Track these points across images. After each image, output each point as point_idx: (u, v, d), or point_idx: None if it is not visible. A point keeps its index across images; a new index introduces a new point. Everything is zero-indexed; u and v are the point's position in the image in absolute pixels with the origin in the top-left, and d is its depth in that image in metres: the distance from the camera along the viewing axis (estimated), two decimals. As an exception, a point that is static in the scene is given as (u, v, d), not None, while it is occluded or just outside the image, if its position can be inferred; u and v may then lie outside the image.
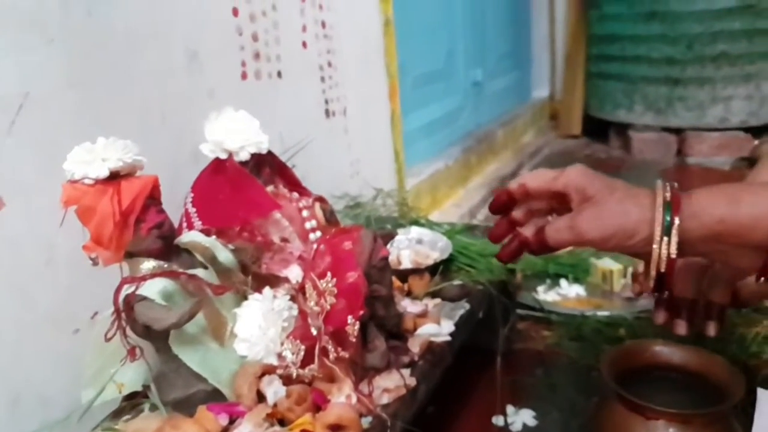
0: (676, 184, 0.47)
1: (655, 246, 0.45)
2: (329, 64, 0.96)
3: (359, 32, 1.06)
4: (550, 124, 2.35)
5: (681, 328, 0.57)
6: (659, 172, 1.81)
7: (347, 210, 0.92)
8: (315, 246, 0.56)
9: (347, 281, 0.53)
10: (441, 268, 0.77)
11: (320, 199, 0.68)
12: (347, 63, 1.01)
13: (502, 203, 0.55)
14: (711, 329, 0.56)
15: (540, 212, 0.54)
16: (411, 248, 0.80)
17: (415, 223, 0.92)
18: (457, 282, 0.75)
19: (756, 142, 1.83)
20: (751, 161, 1.79)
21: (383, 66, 1.12)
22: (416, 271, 0.75)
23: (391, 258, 0.80)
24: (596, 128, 2.17)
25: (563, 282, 1.09)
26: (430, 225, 0.92)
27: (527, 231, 0.52)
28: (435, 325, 0.64)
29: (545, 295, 1.07)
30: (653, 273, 0.47)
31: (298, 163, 0.85)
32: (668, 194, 0.46)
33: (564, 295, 1.07)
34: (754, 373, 0.81)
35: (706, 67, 1.84)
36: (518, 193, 0.53)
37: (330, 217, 0.67)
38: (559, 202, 0.51)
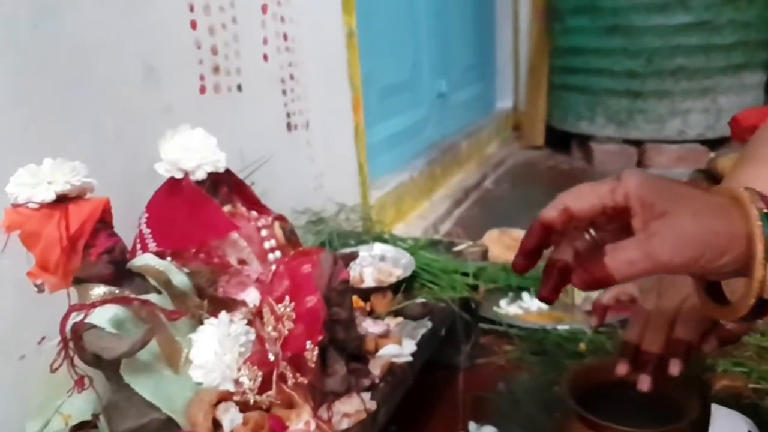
0: (759, 190, 0.42)
1: (759, 266, 0.38)
2: (291, 77, 0.95)
3: (322, 45, 1.05)
4: (514, 135, 2.37)
5: (644, 383, 0.54)
6: (620, 184, 1.84)
7: (310, 225, 0.91)
8: (273, 268, 0.55)
9: (306, 306, 0.52)
10: (404, 286, 0.76)
11: (280, 218, 0.66)
12: (310, 76, 1.00)
13: (540, 240, 0.43)
14: (674, 367, 0.54)
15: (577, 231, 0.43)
16: (374, 266, 0.79)
17: (379, 238, 0.91)
18: (419, 300, 0.74)
19: (712, 154, 1.87)
20: (708, 173, 1.83)
21: (347, 78, 1.12)
22: (379, 290, 0.74)
23: (354, 276, 0.79)
24: (559, 139, 2.20)
25: (525, 295, 1.10)
26: (394, 240, 0.91)
27: (565, 255, 0.42)
28: (396, 346, 0.64)
29: (508, 308, 1.07)
30: (752, 300, 0.39)
31: (260, 179, 0.84)
32: (761, 203, 0.40)
33: (526, 308, 1.07)
34: (709, 387, 0.82)
35: (666, 80, 1.89)
36: (561, 222, 0.41)
37: (290, 236, 0.66)
38: (609, 220, 0.41)
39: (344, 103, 1.12)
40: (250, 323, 0.55)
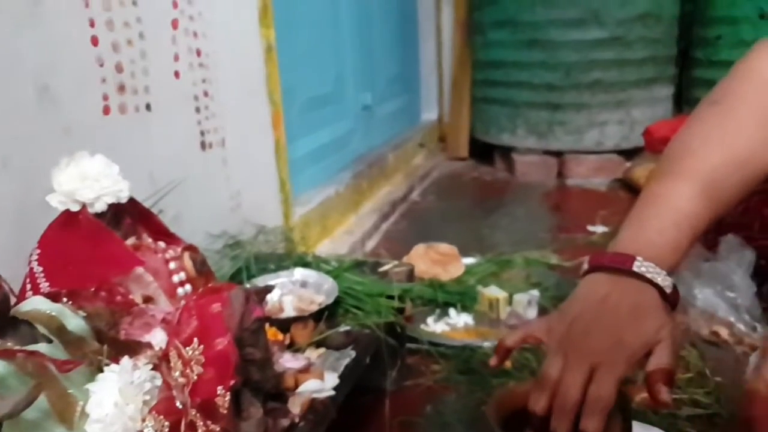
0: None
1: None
2: (206, 94, 0.91)
3: (239, 60, 1.01)
4: (440, 146, 2.39)
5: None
6: (541, 194, 1.88)
7: (227, 250, 0.87)
8: (180, 308, 0.51)
9: (216, 348, 0.48)
10: (326, 314, 0.74)
11: (190, 248, 0.62)
12: (226, 92, 0.96)
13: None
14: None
15: None
16: (294, 293, 0.76)
17: (301, 261, 0.88)
18: (343, 328, 0.72)
19: (628, 164, 1.95)
20: (624, 182, 1.90)
21: (266, 93, 1.08)
22: (299, 319, 0.71)
23: (273, 304, 0.76)
24: (483, 151, 2.23)
25: (452, 311, 1.10)
26: (317, 263, 0.88)
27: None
28: (318, 381, 0.61)
29: (435, 326, 1.06)
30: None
31: (172, 203, 0.79)
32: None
33: (453, 324, 1.07)
34: (629, 399, 0.84)
35: (583, 93, 1.94)
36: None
37: (201, 268, 0.62)
38: None
39: (263, 118, 1.08)
40: (155, 368, 0.50)
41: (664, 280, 0.53)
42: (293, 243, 0.97)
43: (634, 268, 0.53)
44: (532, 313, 1.06)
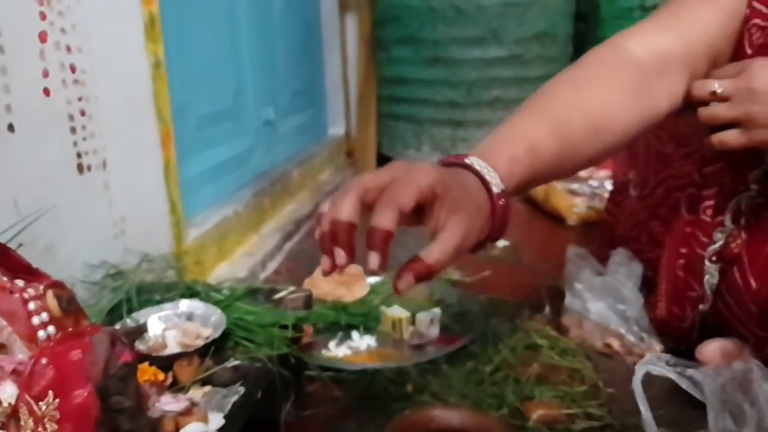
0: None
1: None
2: (82, 113, 0.84)
3: (122, 76, 0.95)
4: (348, 162, 2.37)
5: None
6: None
7: (108, 280, 0.81)
8: (34, 357, 0.46)
9: (74, 401, 0.44)
10: (213, 348, 0.69)
11: (55, 285, 0.57)
12: (107, 110, 0.90)
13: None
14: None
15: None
16: (178, 327, 0.71)
17: (190, 290, 0.83)
18: (231, 363, 0.68)
19: (527, 179, 2.00)
20: (524, 196, 1.95)
21: (153, 111, 1.02)
22: (183, 356, 0.66)
23: (156, 340, 0.70)
24: (390, 166, 2.23)
25: (354, 334, 1.07)
26: (207, 292, 0.83)
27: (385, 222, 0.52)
28: (200, 424, 0.57)
29: (337, 350, 1.04)
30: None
31: (43, 232, 0.73)
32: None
33: (355, 348, 1.05)
34: (527, 417, 0.85)
35: (484, 110, 1.99)
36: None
37: (68, 306, 0.56)
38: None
39: (151, 137, 1.02)
40: (2, 427, 0.45)
41: (492, 178, 0.60)
42: (182, 270, 0.91)
43: (466, 161, 0.61)
44: (434, 331, 1.06)
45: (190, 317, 0.74)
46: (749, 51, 0.80)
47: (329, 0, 2.33)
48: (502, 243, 1.55)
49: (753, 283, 0.81)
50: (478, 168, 0.61)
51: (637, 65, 0.76)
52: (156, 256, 0.87)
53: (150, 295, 0.79)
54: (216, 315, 0.73)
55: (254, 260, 1.33)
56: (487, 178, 0.60)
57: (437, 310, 1.07)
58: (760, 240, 0.82)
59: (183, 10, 1.22)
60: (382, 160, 2.27)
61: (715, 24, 0.79)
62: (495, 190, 0.60)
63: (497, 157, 0.63)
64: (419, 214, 0.58)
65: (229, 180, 1.46)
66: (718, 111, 0.77)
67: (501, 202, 0.60)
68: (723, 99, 0.76)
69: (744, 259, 0.83)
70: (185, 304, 0.75)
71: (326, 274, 0.56)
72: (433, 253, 0.54)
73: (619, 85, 0.75)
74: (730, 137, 0.77)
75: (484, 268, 1.33)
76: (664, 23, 0.80)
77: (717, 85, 0.76)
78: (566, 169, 0.73)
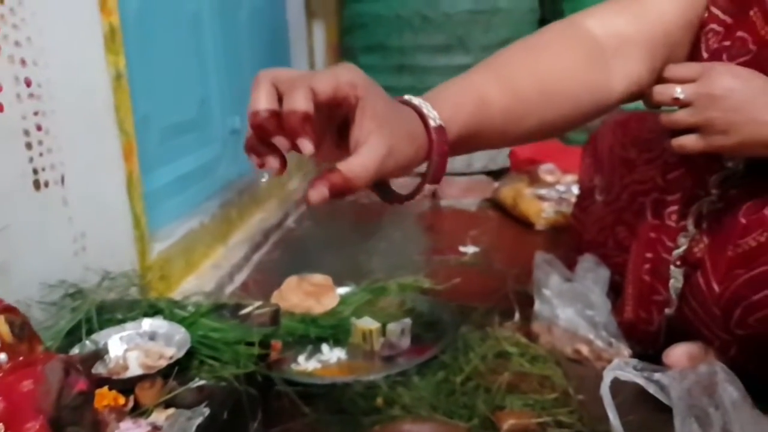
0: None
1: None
2: (39, 128, 0.82)
3: (81, 89, 0.92)
4: (317, 169, 2.36)
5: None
6: (417, 216, 1.91)
7: (67, 300, 0.78)
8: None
9: (26, 434, 0.42)
10: (177, 369, 0.67)
11: (6, 310, 0.54)
12: (66, 125, 0.87)
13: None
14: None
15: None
16: (141, 348, 0.69)
17: (153, 307, 0.81)
18: (196, 383, 0.66)
19: (496, 184, 2.02)
20: (493, 202, 1.97)
21: (115, 124, 1.00)
22: (146, 378, 0.64)
23: (117, 362, 0.68)
24: (360, 173, 2.23)
25: (324, 347, 1.06)
26: (171, 309, 0.82)
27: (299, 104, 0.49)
28: (163, 449, 0.55)
29: (307, 363, 1.03)
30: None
31: (-4, 252, 0.70)
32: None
33: (325, 361, 1.04)
34: (498, 427, 0.85)
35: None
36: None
37: (20, 332, 0.54)
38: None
39: (113, 151, 1.00)
40: (-49, 463, 0.43)
41: (430, 112, 0.58)
42: (147, 287, 0.89)
43: (405, 96, 0.60)
44: (405, 341, 1.05)
45: (153, 336, 0.72)
46: (705, 55, 0.82)
47: (296, 7, 2.31)
48: (471, 249, 1.56)
49: (716, 287, 0.82)
50: (416, 103, 0.59)
51: (594, 40, 0.76)
52: (118, 273, 0.85)
53: (111, 314, 0.77)
54: (180, 334, 0.72)
55: (222, 273, 1.31)
56: (425, 111, 0.58)
57: (408, 320, 1.06)
58: (721, 244, 0.83)
59: (145, 20, 1.19)
60: (352, 167, 2.26)
61: (674, 11, 0.80)
62: (432, 123, 0.57)
63: (441, 101, 0.61)
64: (343, 134, 0.54)
65: (195, 191, 1.43)
66: (679, 116, 0.78)
67: (438, 137, 0.57)
68: (684, 104, 0.77)
69: (707, 263, 0.85)
70: (148, 323, 0.73)
71: (260, 166, 0.52)
72: (352, 165, 0.50)
73: (573, 54, 0.75)
74: (689, 142, 0.78)
75: (455, 274, 1.33)
76: (623, 5, 0.80)
77: (679, 91, 0.77)
78: (517, 132, 0.70)
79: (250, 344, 0.74)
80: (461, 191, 2.04)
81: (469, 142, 0.64)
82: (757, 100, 0.73)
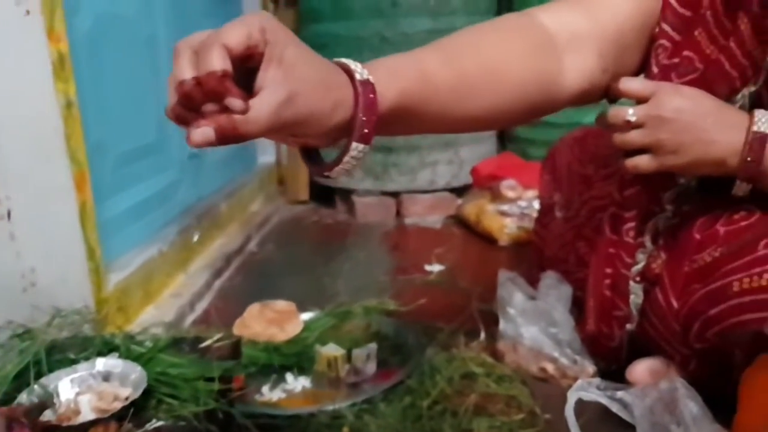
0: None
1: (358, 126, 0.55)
2: (-18, 162, 0.79)
3: (28, 120, 0.90)
4: (280, 190, 2.34)
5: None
6: (381, 234, 1.90)
7: (15, 341, 0.75)
8: None
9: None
10: (133, 410, 0.65)
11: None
12: (12, 157, 0.84)
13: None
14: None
15: None
16: (93, 390, 0.67)
17: (107, 345, 0.78)
18: (153, 425, 0.64)
19: (460, 201, 2.03)
20: (457, 219, 1.98)
21: (66, 154, 0.97)
22: (99, 422, 0.62)
23: (69, 406, 0.66)
24: (323, 193, 2.22)
25: (289, 376, 1.04)
26: (126, 345, 0.79)
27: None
28: (116, 499, 0.53)
29: (271, 393, 1.01)
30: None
31: (-64, 293, 0.67)
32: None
33: (290, 390, 1.02)
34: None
35: (414, 135, 2.00)
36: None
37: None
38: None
39: (64, 181, 0.97)
40: None
41: (357, 68, 0.55)
42: (103, 321, 0.86)
43: (336, 59, 0.57)
44: (371, 367, 1.04)
45: (107, 377, 0.69)
46: (655, 70, 0.83)
47: (254, 28, 2.30)
48: (437, 267, 1.56)
49: (674, 303, 0.83)
50: (344, 60, 0.56)
51: (546, 32, 0.76)
52: (70, 309, 0.82)
53: (63, 354, 0.74)
54: (136, 372, 0.69)
55: (182, 301, 1.28)
56: (351, 66, 0.55)
57: (373, 345, 1.05)
58: (678, 260, 0.84)
59: (97, 44, 1.17)
60: (315, 188, 2.25)
61: (626, 13, 0.81)
62: (358, 77, 0.54)
63: (377, 66, 0.58)
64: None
65: (153, 218, 1.40)
66: (631, 138, 0.79)
67: (365, 90, 0.54)
68: (636, 126, 0.78)
69: (665, 278, 0.86)
70: (102, 363, 0.70)
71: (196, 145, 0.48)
72: (249, 109, 0.47)
73: (523, 41, 0.74)
74: (642, 162, 0.80)
75: (421, 295, 1.32)
76: (577, 3, 0.81)
77: (631, 113, 0.78)
78: (461, 113, 0.67)
79: (210, 380, 0.72)
80: (425, 209, 2.04)
81: (409, 116, 0.61)
82: (704, 121, 0.75)
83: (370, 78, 0.55)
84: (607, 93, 0.83)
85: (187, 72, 0.47)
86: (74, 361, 0.72)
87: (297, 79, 0.49)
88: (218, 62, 0.46)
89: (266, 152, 2.40)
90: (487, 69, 0.68)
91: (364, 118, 0.53)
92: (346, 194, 2.11)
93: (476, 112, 0.68)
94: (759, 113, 0.74)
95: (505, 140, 2.30)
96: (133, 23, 1.35)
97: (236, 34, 0.47)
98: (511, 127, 2.17)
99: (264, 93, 0.48)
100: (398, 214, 2.07)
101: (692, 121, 0.75)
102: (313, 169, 0.60)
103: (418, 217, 2.03)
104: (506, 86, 0.70)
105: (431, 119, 0.64)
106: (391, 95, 0.57)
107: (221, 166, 1.92)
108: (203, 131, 0.47)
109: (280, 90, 0.48)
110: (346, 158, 0.55)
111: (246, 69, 0.50)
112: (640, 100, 0.79)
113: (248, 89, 0.49)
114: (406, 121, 0.62)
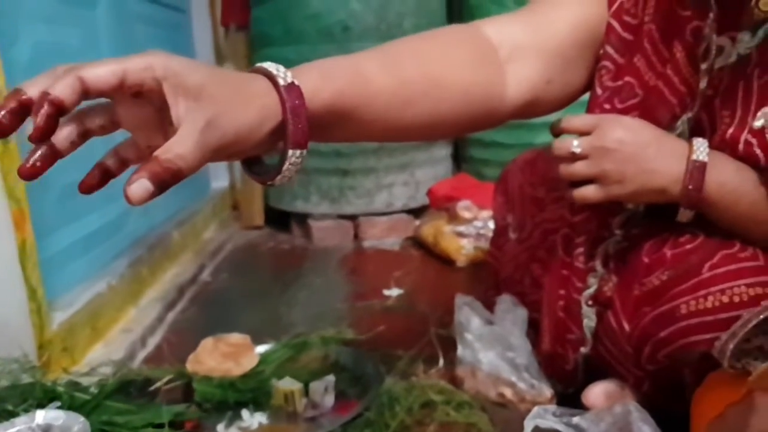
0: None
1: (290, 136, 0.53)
2: None
3: (-40, 157, 0.86)
4: (234, 215, 2.30)
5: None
6: (339, 259, 1.89)
7: (-53, 394, 0.71)
8: None
9: None
10: (74, 464, 0.62)
11: None
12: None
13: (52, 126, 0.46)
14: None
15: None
16: (32, 446, 0.63)
17: (49, 394, 0.74)
18: (95, 479, 0.61)
19: (417, 222, 2.03)
20: (415, 240, 1.98)
21: (3, 192, 0.93)
22: (37, 480, 0.59)
23: (4, 464, 0.62)
24: (279, 218, 2.19)
25: (245, 412, 1.01)
26: (70, 393, 0.75)
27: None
28: None
29: (226, 432, 0.97)
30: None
31: None
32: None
33: (246, 427, 0.99)
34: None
35: (370, 158, 2.00)
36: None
37: None
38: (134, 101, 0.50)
39: (1, 220, 0.93)
40: None
41: (280, 72, 0.53)
42: (44, 368, 0.82)
43: (258, 64, 0.55)
44: (329, 400, 1.02)
45: (47, 430, 0.66)
46: (599, 91, 0.85)
47: (205, 51, 2.28)
48: (396, 291, 1.55)
49: (626, 326, 0.85)
50: (266, 66, 0.54)
51: (488, 42, 0.76)
52: (8, 357, 0.78)
53: (1, 406, 0.70)
54: (78, 424, 0.66)
55: (133, 337, 1.24)
56: (274, 71, 0.53)
57: (331, 377, 1.03)
58: (628, 283, 0.86)
59: (36, 72, 1.13)
60: (270, 212, 2.22)
61: (569, 28, 0.81)
62: (281, 82, 0.52)
63: (308, 70, 0.57)
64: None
65: (101, 250, 1.36)
66: (576, 169, 0.81)
67: (290, 95, 0.52)
68: (581, 158, 0.79)
69: (616, 302, 0.87)
70: (41, 416, 0.67)
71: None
72: (168, 148, 0.46)
73: (465, 49, 0.73)
74: (589, 193, 0.81)
75: (379, 321, 1.31)
76: (521, 15, 0.82)
77: (576, 144, 0.80)
78: (402, 120, 0.65)
79: (160, 426, 0.69)
80: (383, 231, 2.04)
81: (346, 119, 0.59)
82: (645, 151, 0.76)
83: (295, 81, 0.53)
84: (551, 129, 0.85)
85: (31, 86, 0.46)
86: (12, 414, 0.68)
87: (210, 102, 0.48)
88: (60, 88, 0.44)
89: (219, 177, 2.37)
90: (429, 76, 0.67)
91: (294, 124, 0.52)
92: (303, 218, 2.09)
93: (417, 119, 0.66)
94: (697, 142, 0.76)
95: (459, 161, 2.32)
96: (76, 53, 1.31)
97: (102, 71, 0.46)
98: (452, 137, 2.18)
99: (183, 126, 0.47)
100: (356, 237, 2.06)
101: (634, 152, 0.77)
102: (256, 179, 0.58)
103: (376, 239, 2.03)
104: (447, 94, 0.69)
105: (370, 123, 0.62)
106: (325, 96, 0.56)
107: (173, 193, 1.86)
108: (141, 186, 0.46)
109: (198, 117, 0.47)
110: (286, 166, 0.53)
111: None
112: (584, 134, 0.80)
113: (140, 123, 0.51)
114: (343, 125, 0.60)
